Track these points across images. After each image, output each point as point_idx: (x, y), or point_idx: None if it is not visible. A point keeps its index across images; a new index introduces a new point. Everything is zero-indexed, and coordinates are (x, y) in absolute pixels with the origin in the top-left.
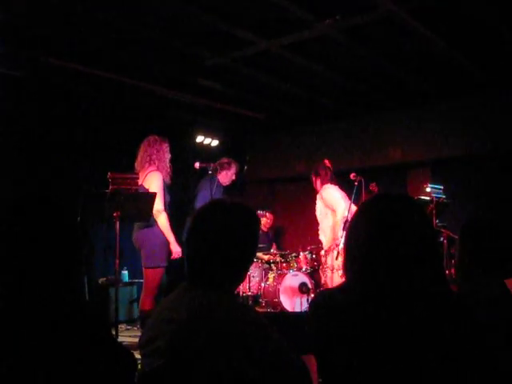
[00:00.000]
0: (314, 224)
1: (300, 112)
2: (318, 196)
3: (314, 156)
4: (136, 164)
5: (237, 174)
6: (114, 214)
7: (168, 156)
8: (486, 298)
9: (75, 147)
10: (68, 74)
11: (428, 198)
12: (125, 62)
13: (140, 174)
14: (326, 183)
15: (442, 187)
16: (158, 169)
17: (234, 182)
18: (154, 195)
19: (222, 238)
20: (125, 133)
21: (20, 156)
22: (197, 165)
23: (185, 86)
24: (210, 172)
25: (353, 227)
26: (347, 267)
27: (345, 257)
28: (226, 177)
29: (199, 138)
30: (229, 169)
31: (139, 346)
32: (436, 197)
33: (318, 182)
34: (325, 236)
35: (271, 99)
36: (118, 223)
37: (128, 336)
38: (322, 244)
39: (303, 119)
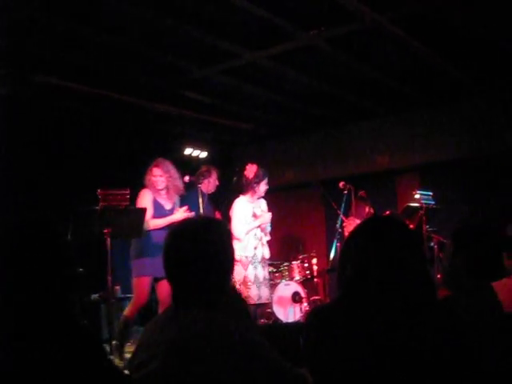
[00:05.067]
0: (305, 232)
1: (288, 121)
2: None
3: (303, 165)
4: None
5: (219, 179)
6: (105, 231)
7: (157, 179)
8: (475, 303)
9: (63, 164)
10: (54, 90)
11: (417, 205)
12: (111, 77)
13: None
14: None
15: (431, 193)
16: (149, 190)
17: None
18: (144, 211)
19: (198, 256)
20: (113, 148)
21: (6, 175)
22: (186, 178)
23: (172, 99)
24: (199, 186)
25: (347, 246)
26: (341, 283)
27: (339, 273)
28: (209, 184)
29: (187, 151)
30: (210, 176)
31: (130, 371)
32: (425, 203)
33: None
34: None
35: (259, 109)
36: (108, 240)
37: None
38: (313, 252)
39: (291, 128)
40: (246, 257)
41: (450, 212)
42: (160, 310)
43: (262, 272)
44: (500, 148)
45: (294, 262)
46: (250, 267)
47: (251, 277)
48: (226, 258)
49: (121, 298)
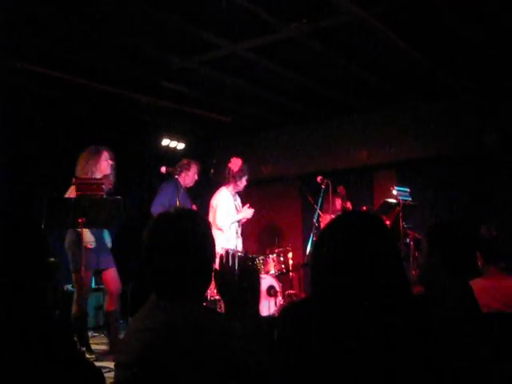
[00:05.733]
0: (281, 226)
1: (266, 115)
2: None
3: (281, 159)
4: (75, 174)
5: (199, 174)
6: (79, 220)
7: (106, 164)
8: (452, 301)
9: (38, 152)
10: (31, 77)
11: (395, 201)
12: (89, 66)
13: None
14: None
15: (408, 190)
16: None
17: (197, 183)
18: (120, 201)
19: (181, 245)
20: (90, 137)
21: None
22: (163, 169)
23: (151, 90)
24: (176, 176)
25: (320, 241)
26: (315, 279)
27: (312, 266)
28: (188, 178)
29: (165, 142)
30: (188, 169)
31: (116, 366)
32: (403, 199)
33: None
34: None
35: (238, 102)
36: (82, 229)
37: (95, 344)
38: (289, 246)
39: (269, 122)
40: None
41: (426, 209)
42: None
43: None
44: (476, 147)
45: (269, 256)
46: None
47: None
48: (209, 248)
49: (93, 288)
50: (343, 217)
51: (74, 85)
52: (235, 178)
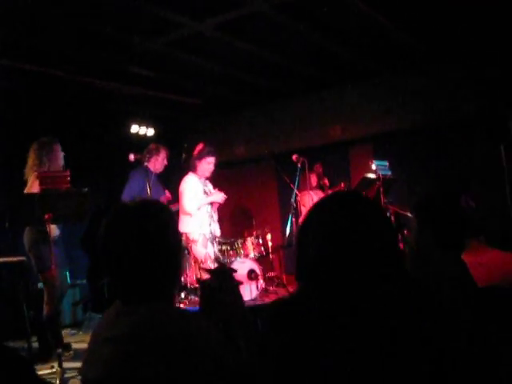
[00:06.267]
0: (258, 208)
1: (237, 95)
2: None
3: (254, 139)
4: (26, 168)
5: (168, 159)
6: (46, 216)
7: (60, 156)
8: (448, 276)
9: (4, 143)
10: None
11: (374, 176)
12: (51, 54)
13: (30, 177)
14: None
15: (387, 163)
16: (48, 169)
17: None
18: (87, 194)
19: (141, 245)
20: (56, 127)
21: None
22: (131, 157)
23: (115, 75)
24: (145, 163)
25: (305, 229)
26: (303, 272)
27: (298, 253)
28: (157, 163)
29: (134, 128)
30: (158, 154)
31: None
32: (382, 174)
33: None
34: None
35: (206, 83)
36: (50, 226)
37: (74, 342)
38: (267, 228)
39: (241, 102)
40: (204, 234)
41: (403, 182)
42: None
43: (212, 249)
44: (453, 117)
45: (248, 239)
46: (209, 244)
47: (212, 254)
48: (173, 243)
49: (69, 284)
50: (333, 196)
51: (38, 74)
52: (196, 161)
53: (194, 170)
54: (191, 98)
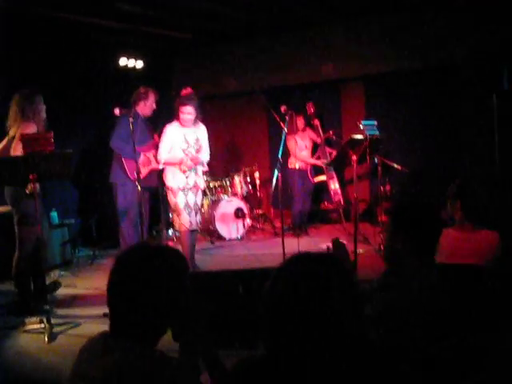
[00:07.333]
0: (247, 144)
1: (229, 29)
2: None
3: (244, 73)
4: (9, 120)
5: (157, 102)
6: (31, 177)
7: (43, 108)
8: (418, 282)
9: None
10: None
11: (361, 137)
12: None
13: (13, 129)
14: None
15: (375, 123)
16: (33, 122)
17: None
18: (70, 155)
19: (145, 288)
20: (42, 65)
21: None
22: (116, 111)
23: (104, 12)
24: (135, 107)
25: (271, 292)
26: (269, 332)
27: (265, 318)
28: (146, 107)
29: (122, 61)
30: (146, 98)
31: None
32: (369, 134)
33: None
34: None
35: (196, 18)
36: (34, 184)
37: (63, 286)
38: (255, 165)
39: (232, 36)
40: (178, 185)
41: (394, 123)
42: None
43: (194, 199)
44: (446, 62)
45: (236, 177)
46: (181, 194)
47: (181, 204)
48: (175, 299)
49: (57, 224)
50: (297, 263)
51: (27, 12)
52: (177, 106)
53: (177, 117)
54: (181, 33)
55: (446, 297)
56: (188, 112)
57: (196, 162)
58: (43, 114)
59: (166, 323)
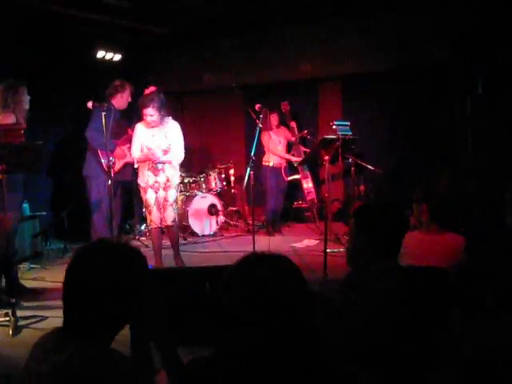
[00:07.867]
0: (224, 140)
1: (206, 25)
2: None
3: (222, 69)
4: None
5: (132, 95)
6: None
7: (26, 99)
8: (386, 287)
9: None
10: None
11: (334, 137)
12: None
13: None
14: None
15: (348, 123)
16: (13, 112)
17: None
18: (40, 146)
19: (99, 286)
20: (21, 56)
21: None
22: (89, 104)
23: (84, 3)
24: (110, 100)
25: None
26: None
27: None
28: (122, 100)
29: (100, 54)
30: (123, 91)
31: None
32: (342, 134)
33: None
34: None
35: (175, 13)
36: (2, 176)
37: (31, 279)
38: (231, 163)
39: (211, 33)
40: (147, 184)
41: (372, 121)
42: None
43: (164, 195)
44: (425, 59)
45: (211, 173)
46: (150, 191)
47: (151, 201)
48: (132, 297)
49: (28, 216)
50: (253, 267)
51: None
52: (140, 108)
53: (141, 117)
54: (159, 27)
55: (408, 299)
56: (150, 114)
57: (154, 160)
58: (25, 106)
59: (121, 322)
